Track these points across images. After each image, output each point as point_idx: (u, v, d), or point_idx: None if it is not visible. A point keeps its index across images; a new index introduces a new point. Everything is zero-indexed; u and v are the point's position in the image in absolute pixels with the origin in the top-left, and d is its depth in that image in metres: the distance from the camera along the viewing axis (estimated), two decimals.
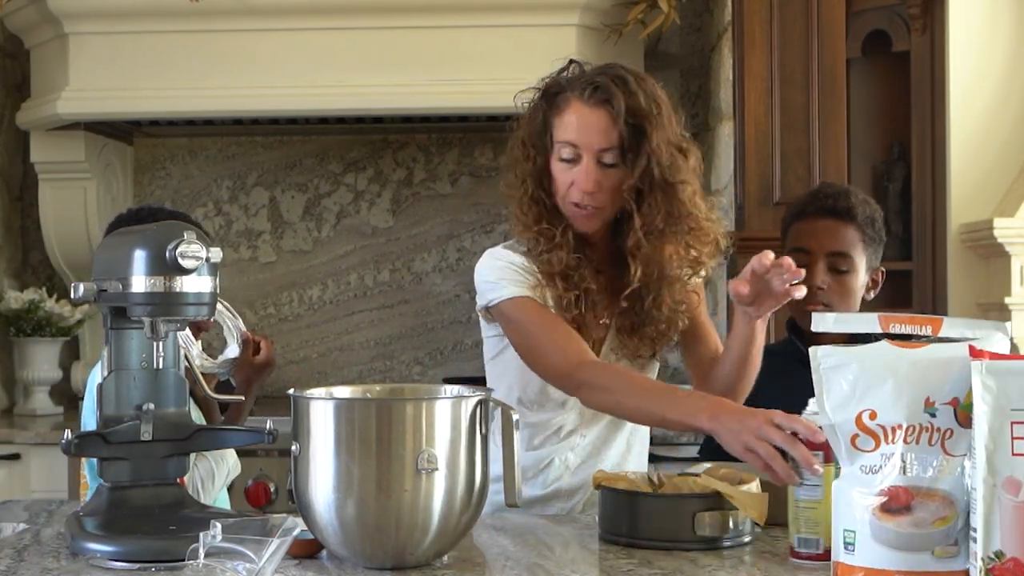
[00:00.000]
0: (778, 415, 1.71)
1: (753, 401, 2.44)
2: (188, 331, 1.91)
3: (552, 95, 2.05)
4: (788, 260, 1.90)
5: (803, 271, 1.91)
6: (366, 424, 1.59)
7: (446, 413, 1.60)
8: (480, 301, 2.13)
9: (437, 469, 1.57)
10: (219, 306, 2.16)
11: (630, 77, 2.02)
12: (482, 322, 2.19)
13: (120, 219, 2.42)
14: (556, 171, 2.04)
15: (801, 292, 1.91)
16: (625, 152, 1.99)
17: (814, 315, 1.56)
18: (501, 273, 2.08)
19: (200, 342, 2.21)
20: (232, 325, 2.23)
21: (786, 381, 2.37)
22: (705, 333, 2.20)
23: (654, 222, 2.01)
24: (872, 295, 2.44)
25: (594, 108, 1.99)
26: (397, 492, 1.56)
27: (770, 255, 1.88)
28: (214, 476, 2.29)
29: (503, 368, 2.15)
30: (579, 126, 1.99)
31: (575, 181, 2.01)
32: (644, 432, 2.24)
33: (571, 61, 2.07)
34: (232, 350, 2.24)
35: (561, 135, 2.02)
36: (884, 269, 2.45)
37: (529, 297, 2.04)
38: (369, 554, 1.61)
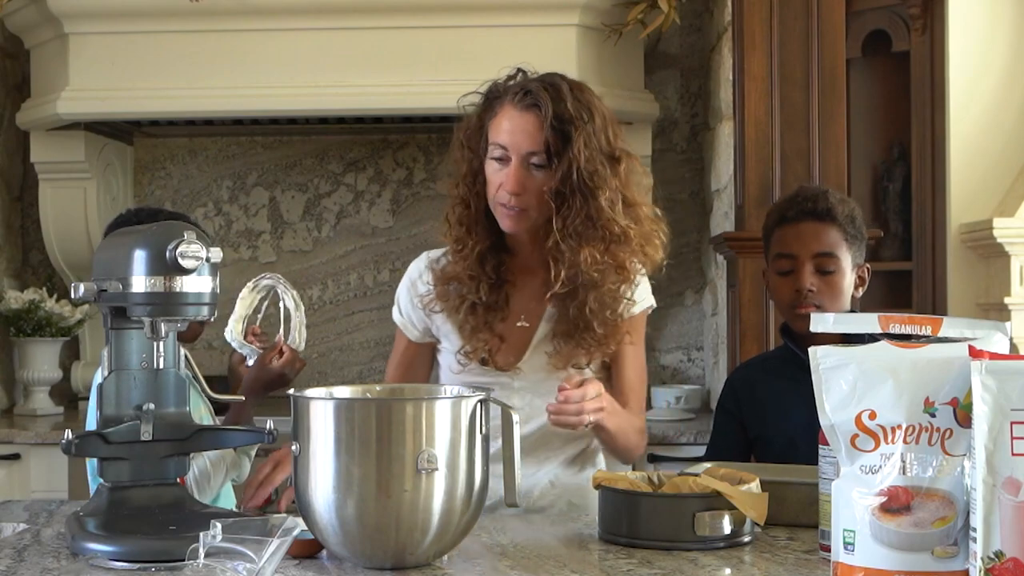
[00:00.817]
0: None
1: (755, 409, 2.45)
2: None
3: (491, 99, 2.11)
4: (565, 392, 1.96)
5: (576, 393, 1.95)
6: (366, 424, 1.59)
7: (446, 413, 1.60)
8: None
9: (437, 469, 1.58)
10: (294, 310, 2.21)
11: (564, 85, 2.08)
12: None
13: (120, 219, 2.42)
14: (489, 171, 2.10)
15: (581, 420, 1.96)
16: (551, 156, 2.04)
17: (812, 315, 1.56)
18: (399, 291, 2.26)
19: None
20: (291, 327, 2.26)
21: (785, 387, 2.38)
22: (618, 368, 2.20)
23: (573, 225, 2.05)
24: (861, 292, 2.44)
25: (523, 112, 2.05)
26: (397, 492, 1.56)
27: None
28: (210, 476, 2.29)
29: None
30: (509, 129, 2.06)
31: (503, 182, 2.06)
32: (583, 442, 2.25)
33: (518, 69, 2.13)
34: (278, 337, 2.28)
35: (493, 137, 2.08)
36: (869, 266, 2.45)
37: (401, 334, 2.25)
38: (369, 554, 1.61)
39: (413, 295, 2.22)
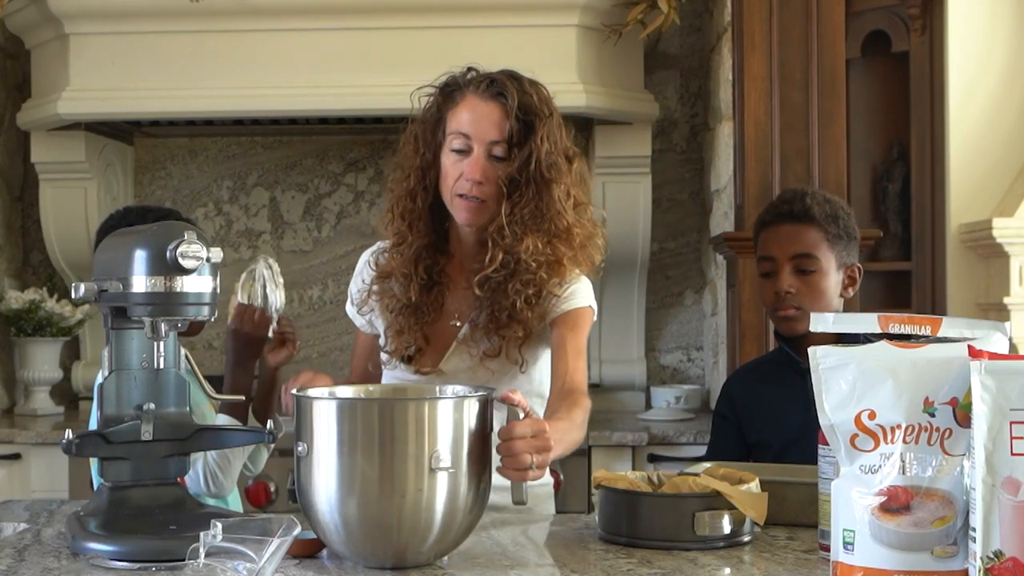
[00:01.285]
0: None
1: (752, 415, 2.45)
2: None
3: (449, 91, 2.11)
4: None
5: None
6: (370, 424, 1.59)
7: (449, 413, 1.60)
8: None
9: (442, 469, 1.58)
10: (269, 272, 2.19)
11: (524, 79, 2.09)
12: None
13: (110, 220, 2.41)
14: (447, 163, 2.07)
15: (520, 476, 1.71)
16: (512, 147, 2.04)
17: (812, 315, 1.57)
18: (353, 283, 2.25)
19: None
20: (269, 291, 2.23)
21: (781, 391, 2.38)
22: (557, 360, 2.07)
23: (521, 213, 2.04)
24: (852, 292, 2.44)
25: (488, 101, 2.05)
26: (401, 491, 1.57)
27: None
28: (229, 462, 2.27)
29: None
30: (473, 118, 2.05)
31: (464, 172, 2.05)
32: None
33: (469, 68, 2.13)
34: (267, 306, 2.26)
35: (455, 127, 2.07)
36: (860, 266, 2.44)
37: (357, 327, 2.26)
38: (371, 553, 1.61)
39: (358, 287, 2.23)
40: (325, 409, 1.62)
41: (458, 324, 2.13)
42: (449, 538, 1.62)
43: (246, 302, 2.25)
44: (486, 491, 1.65)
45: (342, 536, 1.60)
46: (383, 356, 2.17)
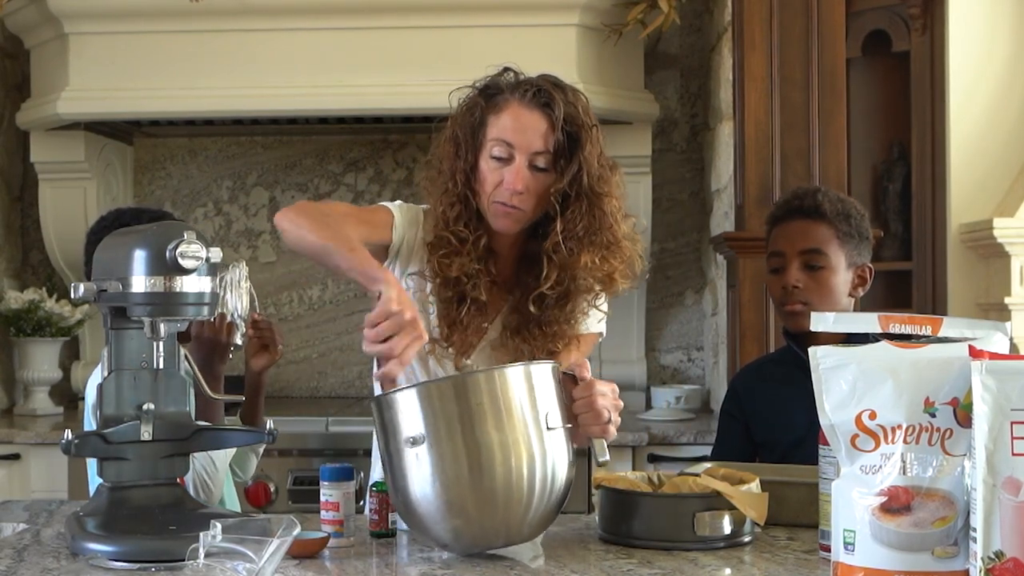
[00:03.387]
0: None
1: (756, 411, 2.45)
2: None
3: (490, 94, 2.07)
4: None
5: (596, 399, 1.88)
6: (493, 393, 1.65)
7: (549, 376, 1.71)
8: None
9: (553, 428, 1.67)
10: (231, 278, 2.16)
11: (567, 87, 2.06)
12: None
13: (103, 221, 2.39)
14: (486, 169, 2.04)
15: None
16: (557, 158, 2.02)
17: (812, 315, 1.56)
18: (401, 209, 2.12)
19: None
20: (231, 296, 2.19)
21: (787, 389, 2.37)
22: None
23: (575, 229, 2.02)
24: (862, 292, 2.43)
25: (533, 111, 2.01)
26: (529, 454, 1.64)
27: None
28: (214, 474, 2.27)
29: None
30: (517, 127, 2.02)
31: (504, 180, 2.02)
32: None
33: (506, 68, 2.09)
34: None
35: (496, 133, 2.03)
36: (872, 267, 2.44)
37: (385, 208, 2.11)
38: (490, 529, 1.66)
39: (415, 235, 2.11)
40: (438, 391, 1.66)
41: (486, 325, 2.10)
42: (556, 499, 1.68)
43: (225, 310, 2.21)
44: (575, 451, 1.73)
45: (461, 521, 1.64)
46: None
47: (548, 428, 1.66)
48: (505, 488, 1.63)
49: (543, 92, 2.02)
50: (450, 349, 2.07)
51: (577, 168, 2.01)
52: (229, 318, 2.19)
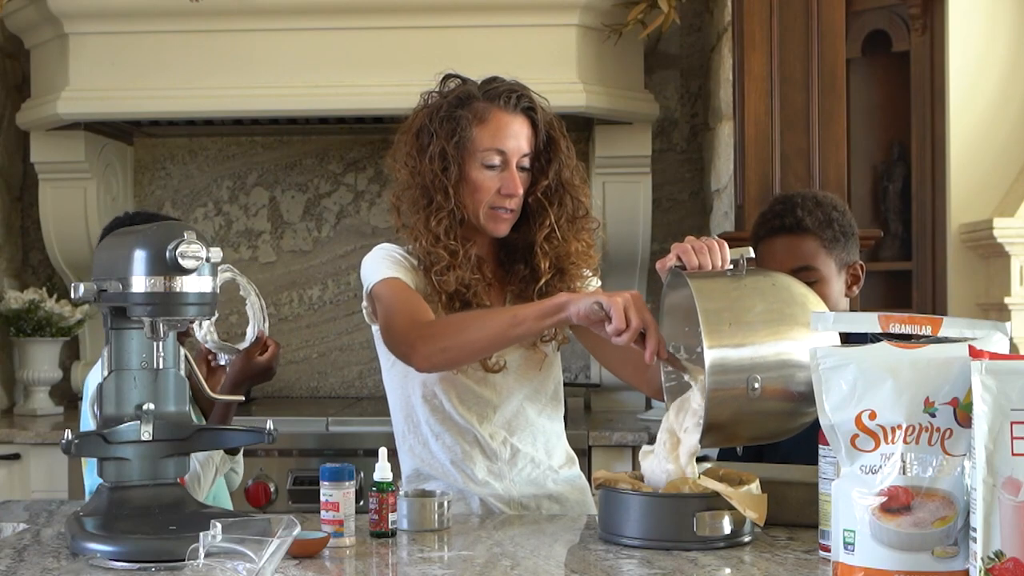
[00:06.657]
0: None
1: None
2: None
3: (467, 104, 2.12)
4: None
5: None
6: None
7: None
8: (364, 297, 2.17)
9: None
10: (253, 295, 2.15)
11: (527, 87, 2.17)
12: (373, 329, 2.18)
13: (116, 222, 2.41)
14: (480, 178, 2.10)
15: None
16: (537, 157, 2.13)
17: (812, 314, 1.56)
18: (381, 261, 2.13)
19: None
20: (257, 316, 2.19)
21: None
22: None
23: (561, 220, 2.13)
24: (857, 290, 2.42)
25: (516, 116, 2.11)
26: None
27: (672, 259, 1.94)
28: (200, 477, 2.27)
29: (402, 374, 2.16)
30: (507, 134, 2.10)
31: (503, 187, 2.10)
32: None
33: (450, 75, 2.20)
34: (248, 339, 2.19)
35: (488, 143, 2.10)
36: (862, 264, 2.42)
37: (399, 279, 2.09)
38: None
39: (407, 259, 2.14)
40: None
41: None
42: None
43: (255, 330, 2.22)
44: None
45: None
46: None
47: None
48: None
49: (523, 97, 2.12)
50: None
51: (559, 165, 2.13)
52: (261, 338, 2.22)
